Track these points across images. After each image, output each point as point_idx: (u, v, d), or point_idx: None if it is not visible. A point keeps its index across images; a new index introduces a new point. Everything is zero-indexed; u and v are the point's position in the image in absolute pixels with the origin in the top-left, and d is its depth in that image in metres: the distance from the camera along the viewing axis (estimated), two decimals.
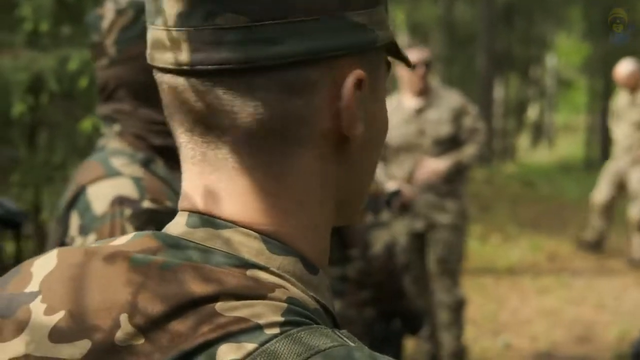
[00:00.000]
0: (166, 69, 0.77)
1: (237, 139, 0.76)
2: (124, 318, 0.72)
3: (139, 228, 1.58)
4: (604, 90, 16.67)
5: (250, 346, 0.69)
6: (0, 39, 4.33)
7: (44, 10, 3.94)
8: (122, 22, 1.77)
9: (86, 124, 3.88)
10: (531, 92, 21.38)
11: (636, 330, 5.49)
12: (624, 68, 7.75)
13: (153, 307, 0.72)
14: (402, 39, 15.87)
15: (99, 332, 0.73)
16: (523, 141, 21.31)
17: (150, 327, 0.72)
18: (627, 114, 7.83)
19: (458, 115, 4.94)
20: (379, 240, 3.10)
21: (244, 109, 0.75)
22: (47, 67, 3.81)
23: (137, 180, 1.67)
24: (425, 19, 17.01)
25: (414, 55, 4.87)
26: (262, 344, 0.69)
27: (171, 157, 1.68)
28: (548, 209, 10.88)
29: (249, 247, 0.76)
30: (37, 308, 0.76)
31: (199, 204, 0.78)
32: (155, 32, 0.78)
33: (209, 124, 0.76)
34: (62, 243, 1.71)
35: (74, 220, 1.69)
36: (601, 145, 16.50)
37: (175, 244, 0.77)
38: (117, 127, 1.80)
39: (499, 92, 17.90)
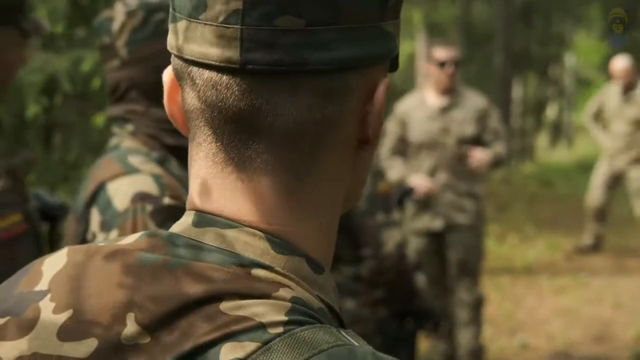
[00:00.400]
0: (206, 64, 0.76)
1: (271, 140, 0.76)
2: (129, 317, 0.73)
3: (160, 224, 1.61)
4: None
5: (253, 345, 0.70)
6: None
7: (58, 13, 3.96)
8: (133, 24, 1.79)
9: (99, 120, 3.91)
10: (550, 91, 21.27)
11: None
12: (620, 64, 7.68)
13: (158, 306, 0.73)
14: (420, 39, 15.84)
15: (104, 330, 0.74)
16: (542, 141, 21.19)
17: (156, 326, 0.73)
18: (623, 112, 7.70)
19: (482, 117, 4.95)
20: (391, 240, 3.10)
21: (285, 110, 0.75)
22: (61, 69, 3.84)
23: (157, 177, 1.69)
24: (443, 18, 16.96)
25: (443, 53, 4.86)
26: (264, 343, 0.70)
27: (184, 156, 1.69)
28: (566, 208, 10.81)
29: (254, 246, 0.76)
30: (46, 306, 0.77)
31: (208, 203, 0.79)
32: (195, 26, 0.76)
33: (244, 123, 0.76)
34: (83, 240, 1.73)
35: (95, 217, 1.71)
36: None
37: (180, 243, 0.77)
38: (130, 127, 1.81)
39: (517, 92, 17.82)
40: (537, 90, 20.31)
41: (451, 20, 17.18)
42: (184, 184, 1.72)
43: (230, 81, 0.75)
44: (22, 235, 1.82)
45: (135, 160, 1.74)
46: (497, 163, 5.00)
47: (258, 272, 0.75)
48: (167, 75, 0.82)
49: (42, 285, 0.79)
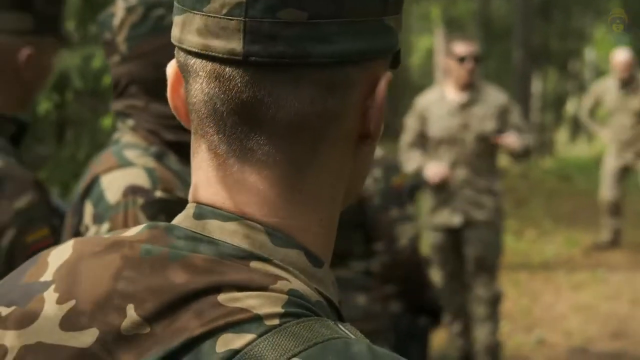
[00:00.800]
0: (210, 56, 0.77)
1: (273, 132, 0.77)
2: (130, 308, 0.75)
3: (151, 217, 1.61)
4: None
5: (249, 336, 0.71)
6: None
7: (70, 10, 3.98)
8: (132, 20, 1.80)
9: (107, 121, 3.93)
10: (570, 86, 21.18)
11: None
12: (621, 57, 7.63)
13: (158, 297, 0.74)
14: (438, 34, 15.82)
15: (104, 320, 0.75)
16: (561, 135, 21.10)
17: (155, 317, 0.74)
18: (626, 105, 7.64)
19: (502, 113, 4.93)
20: (404, 234, 3.09)
21: (288, 102, 0.76)
22: (72, 65, 3.86)
23: (149, 171, 1.70)
24: (461, 13, 16.95)
25: (462, 48, 4.84)
26: (261, 335, 0.71)
27: (183, 152, 1.70)
28: (584, 203, 10.73)
29: (253, 239, 0.77)
30: (50, 297, 0.78)
31: (210, 195, 0.80)
32: (199, 18, 0.77)
33: (246, 115, 0.77)
34: (76, 232, 1.75)
35: (88, 209, 1.72)
36: None
37: (181, 235, 0.78)
38: (130, 122, 1.82)
39: (536, 87, 17.76)
40: (557, 85, 20.25)
41: (469, 15, 17.17)
42: (183, 178, 1.73)
43: (233, 73, 0.76)
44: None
45: (130, 154, 1.75)
46: (525, 152, 4.99)
47: (256, 264, 0.76)
48: (171, 68, 0.83)
49: (47, 276, 0.80)
